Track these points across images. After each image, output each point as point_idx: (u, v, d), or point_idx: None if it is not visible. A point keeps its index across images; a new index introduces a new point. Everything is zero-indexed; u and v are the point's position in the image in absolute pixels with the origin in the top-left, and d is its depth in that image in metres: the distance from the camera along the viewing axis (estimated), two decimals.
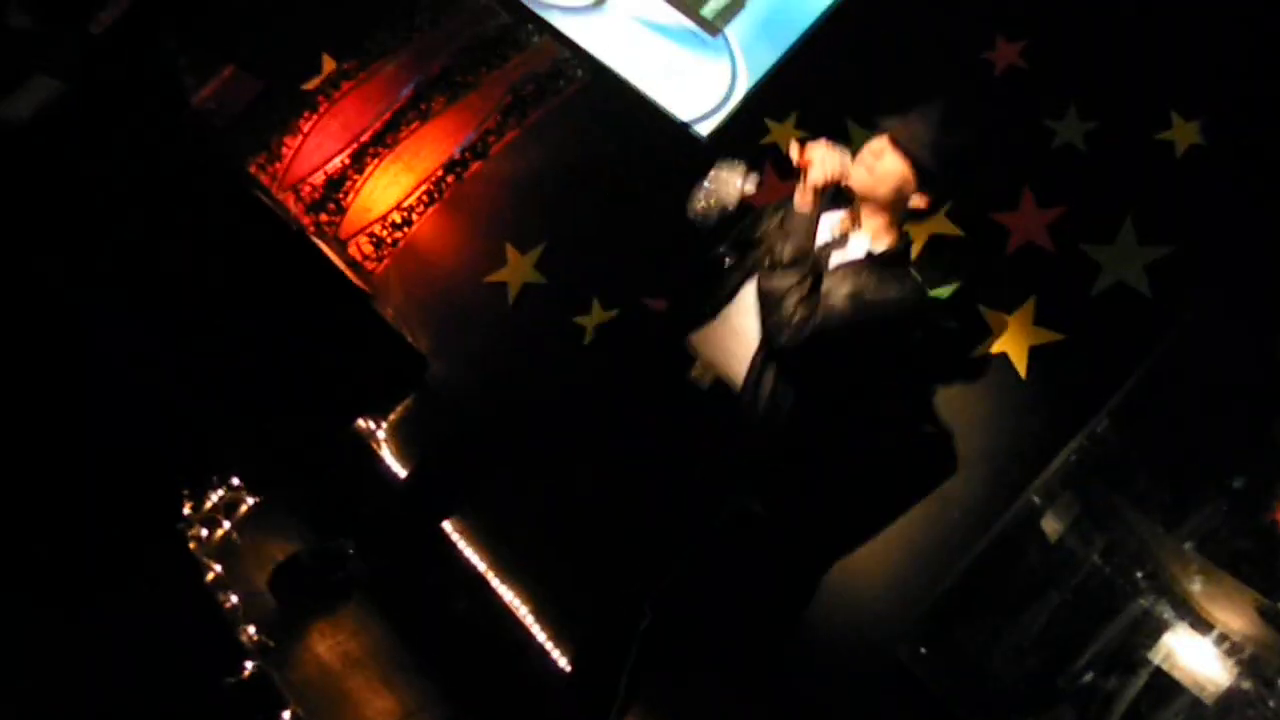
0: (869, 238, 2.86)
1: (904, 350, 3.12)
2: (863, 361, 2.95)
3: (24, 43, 3.83)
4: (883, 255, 2.84)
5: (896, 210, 2.86)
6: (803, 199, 2.77)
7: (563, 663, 3.34)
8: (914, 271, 2.90)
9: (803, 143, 2.81)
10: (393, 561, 3.14)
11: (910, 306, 2.86)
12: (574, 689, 3.12)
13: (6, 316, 3.32)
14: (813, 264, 2.74)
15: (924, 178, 2.81)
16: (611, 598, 3.00)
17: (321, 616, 3.01)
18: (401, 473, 3.76)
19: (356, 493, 3.68)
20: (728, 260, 2.93)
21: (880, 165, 2.80)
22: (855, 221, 2.87)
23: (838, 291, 2.74)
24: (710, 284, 2.94)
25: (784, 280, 2.72)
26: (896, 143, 2.80)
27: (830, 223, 2.87)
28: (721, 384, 2.86)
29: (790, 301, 2.70)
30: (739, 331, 2.85)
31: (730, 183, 2.85)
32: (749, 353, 2.82)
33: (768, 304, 2.75)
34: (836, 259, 2.83)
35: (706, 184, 2.88)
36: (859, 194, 2.84)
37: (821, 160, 2.74)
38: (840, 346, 2.77)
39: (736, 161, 2.89)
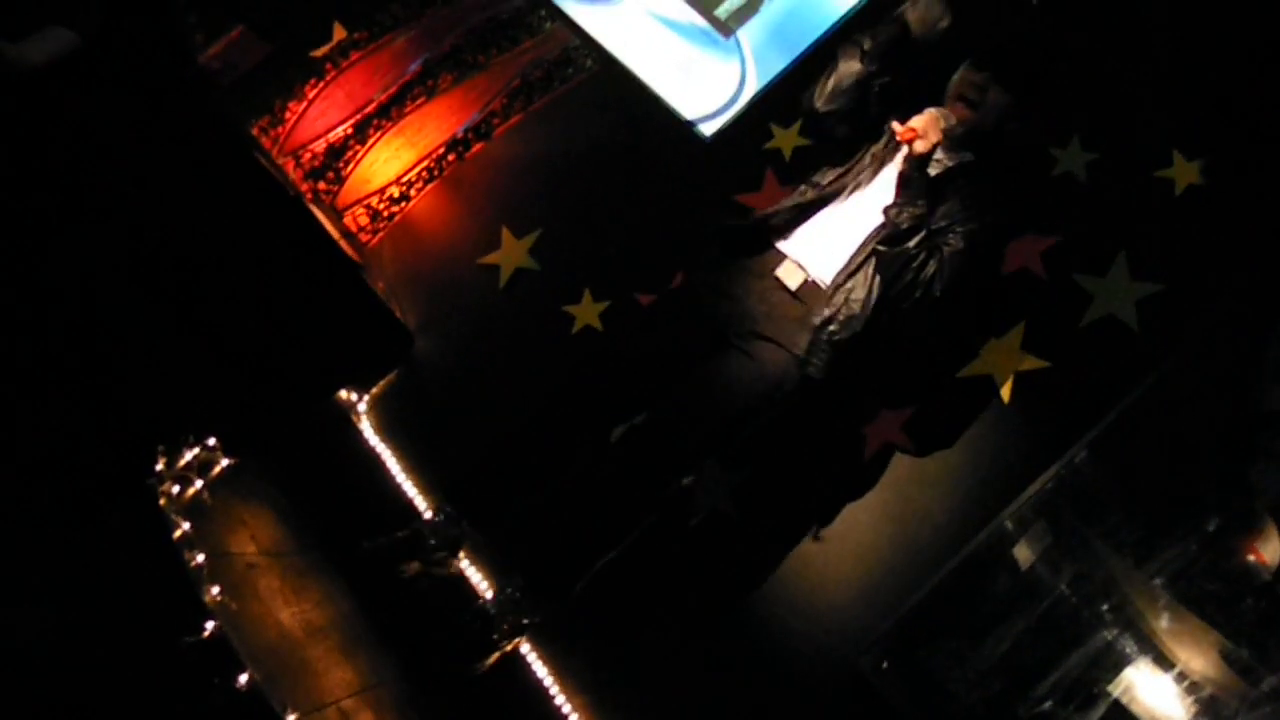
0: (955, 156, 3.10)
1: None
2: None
3: None
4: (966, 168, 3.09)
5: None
6: (906, 168, 2.98)
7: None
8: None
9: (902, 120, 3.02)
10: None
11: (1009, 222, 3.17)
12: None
13: None
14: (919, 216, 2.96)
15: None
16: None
17: None
18: (379, 447, 3.76)
19: (331, 465, 3.68)
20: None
21: (986, 100, 3.06)
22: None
23: (951, 243, 3.01)
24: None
25: (904, 251, 2.96)
26: (999, 77, 3.05)
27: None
28: (810, 285, 3.05)
29: (914, 273, 2.96)
30: (831, 236, 3.07)
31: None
32: (839, 256, 3.06)
33: (896, 275, 2.98)
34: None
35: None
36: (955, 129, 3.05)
37: (924, 132, 2.94)
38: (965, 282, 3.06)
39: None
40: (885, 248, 2.98)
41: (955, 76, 3.16)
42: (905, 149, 3.00)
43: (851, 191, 3.13)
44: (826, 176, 3.18)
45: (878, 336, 3.08)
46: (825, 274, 3.06)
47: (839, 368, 3.05)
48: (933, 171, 3.03)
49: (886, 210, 2.99)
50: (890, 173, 3.09)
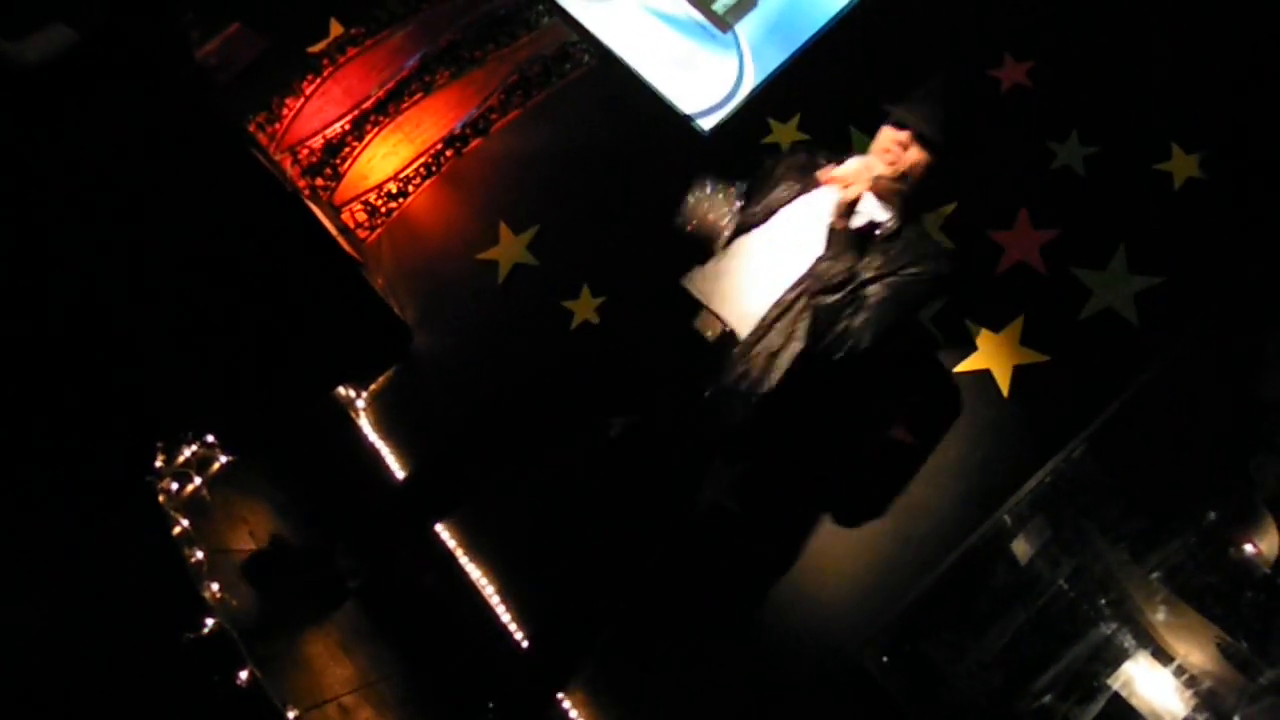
0: (884, 210, 2.99)
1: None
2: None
3: None
4: (894, 228, 2.97)
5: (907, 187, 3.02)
6: (838, 219, 2.88)
7: (523, 642, 3.33)
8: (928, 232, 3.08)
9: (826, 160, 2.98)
10: (385, 562, 3.18)
11: (946, 275, 3.01)
12: (533, 658, 3.16)
13: None
14: (850, 268, 2.86)
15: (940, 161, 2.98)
16: (580, 580, 3.02)
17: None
18: (378, 443, 3.76)
19: (330, 461, 3.68)
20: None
21: (906, 157, 2.95)
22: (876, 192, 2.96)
23: (881, 293, 2.88)
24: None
25: (837, 301, 2.85)
26: (919, 136, 2.93)
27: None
28: (727, 337, 2.91)
29: (844, 323, 2.85)
30: (746, 279, 2.94)
31: (718, 208, 2.95)
32: (755, 300, 2.91)
33: (827, 326, 2.86)
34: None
35: (692, 200, 2.99)
36: (881, 183, 2.95)
37: (849, 181, 2.86)
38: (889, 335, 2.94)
39: (721, 184, 2.97)
40: (819, 298, 2.86)
41: (878, 133, 3.03)
42: (830, 196, 2.91)
43: (772, 231, 2.99)
44: (748, 212, 3.02)
45: (798, 387, 2.96)
46: (742, 325, 2.91)
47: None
48: (856, 224, 2.92)
49: (818, 263, 2.88)
50: (811, 213, 2.96)
